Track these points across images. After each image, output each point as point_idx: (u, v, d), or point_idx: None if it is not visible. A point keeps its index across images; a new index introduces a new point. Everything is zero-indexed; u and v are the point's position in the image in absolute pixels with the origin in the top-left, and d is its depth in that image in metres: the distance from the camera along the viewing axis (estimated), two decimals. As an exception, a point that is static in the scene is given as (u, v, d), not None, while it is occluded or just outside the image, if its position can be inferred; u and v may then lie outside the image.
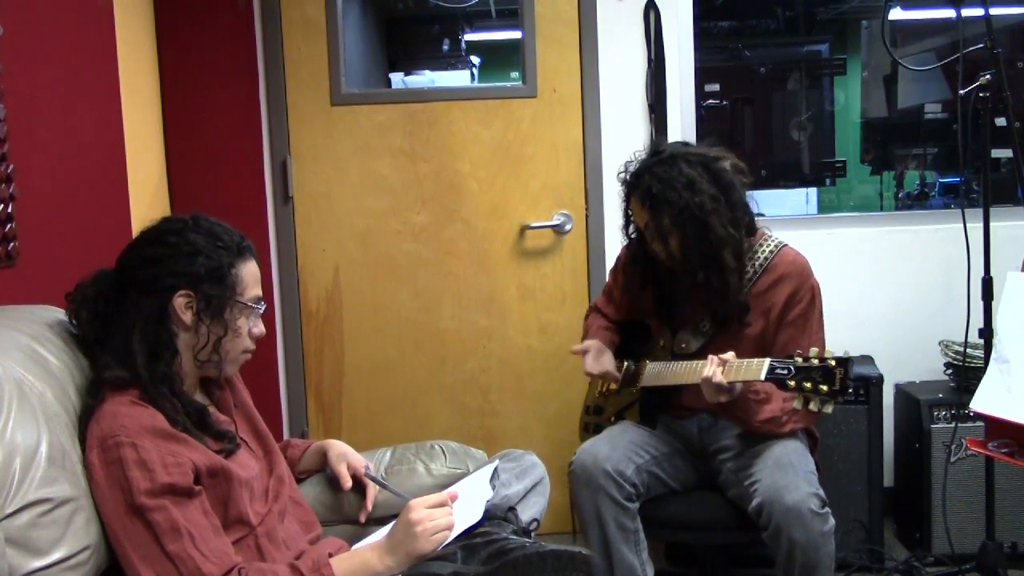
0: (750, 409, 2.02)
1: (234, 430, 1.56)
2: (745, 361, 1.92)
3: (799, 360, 1.85)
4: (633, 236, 2.20)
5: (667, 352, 2.20)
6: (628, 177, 2.13)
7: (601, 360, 2.23)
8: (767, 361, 1.88)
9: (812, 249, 2.25)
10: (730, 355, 1.94)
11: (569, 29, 2.83)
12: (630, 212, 2.16)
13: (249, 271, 1.52)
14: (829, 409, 1.86)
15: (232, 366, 1.56)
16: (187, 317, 1.46)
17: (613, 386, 2.35)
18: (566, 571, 1.44)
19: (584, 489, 2.04)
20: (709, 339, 2.14)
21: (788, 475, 1.95)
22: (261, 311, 1.55)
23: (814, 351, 1.86)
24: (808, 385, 1.84)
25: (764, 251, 2.13)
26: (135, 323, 1.43)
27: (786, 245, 2.15)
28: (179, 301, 1.45)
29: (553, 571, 1.44)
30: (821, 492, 1.94)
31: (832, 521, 1.94)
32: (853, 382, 1.86)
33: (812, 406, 1.86)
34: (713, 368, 1.93)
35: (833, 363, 1.82)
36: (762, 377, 1.87)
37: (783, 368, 1.86)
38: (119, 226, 2.19)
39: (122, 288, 1.47)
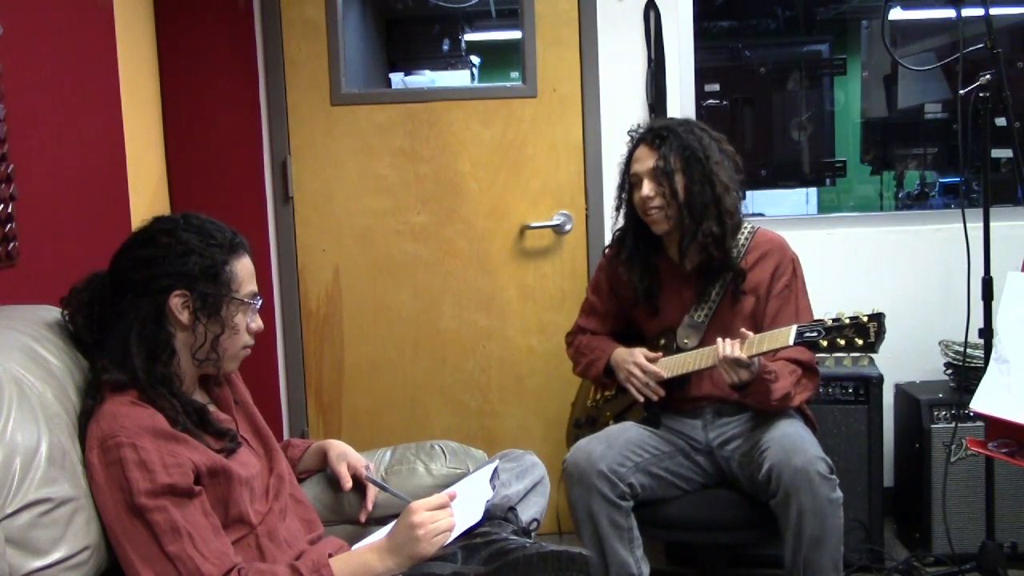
0: (766, 389, 2.03)
1: (235, 428, 1.56)
2: (768, 333, 1.97)
3: (828, 321, 1.90)
4: (626, 198, 2.22)
5: (669, 348, 2.21)
6: (641, 132, 2.20)
7: (645, 368, 2.19)
8: (793, 327, 1.93)
9: (812, 249, 2.27)
10: (749, 333, 1.98)
11: (569, 29, 2.83)
12: (629, 172, 2.19)
13: (243, 267, 1.52)
14: (865, 362, 1.96)
15: (232, 363, 1.56)
16: (184, 317, 1.46)
17: (607, 393, 2.34)
18: (566, 572, 1.44)
19: (577, 487, 2.05)
20: (707, 329, 2.17)
21: (796, 442, 1.99)
22: (258, 306, 1.55)
23: (841, 311, 1.91)
24: (841, 342, 1.88)
25: (742, 236, 2.20)
26: (131, 325, 1.43)
27: (760, 227, 2.23)
28: (175, 301, 1.45)
29: (554, 571, 1.44)
30: (828, 459, 1.97)
31: (840, 493, 1.97)
32: (884, 335, 1.89)
33: (846, 362, 1.93)
34: (729, 345, 1.97)
35: (866, 319, 1.87)
36: (791, 342, 1.92)
37: (812, 331, 1.91)
38: (119, 226, 2.19)
39: (117, 291, 1.47)
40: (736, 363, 1.96)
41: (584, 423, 2.39)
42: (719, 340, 2.00)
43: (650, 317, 2.26)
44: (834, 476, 1.97)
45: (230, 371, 1.60)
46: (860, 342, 1.86)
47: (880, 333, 1.85)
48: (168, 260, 1.45)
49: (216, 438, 1.48)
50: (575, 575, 1.44)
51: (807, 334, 1.91)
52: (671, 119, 2.25)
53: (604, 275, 2.36)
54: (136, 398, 1.40)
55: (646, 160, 2.14)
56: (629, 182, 2.20)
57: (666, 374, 2.15)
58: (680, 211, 2.10)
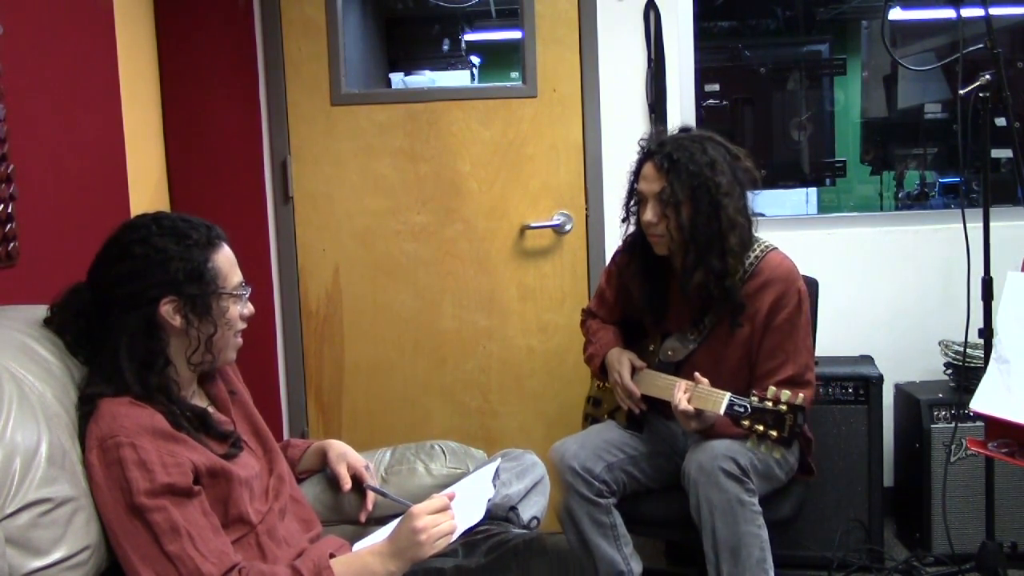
0: (730, 431, 1.97)
1: (234, 429, 1.55)
2: (708, 390, 1.93)
3: (755, 400, 1.86)
4: (634, 210, 2.15)
5: (654, 356, 2.19)
6: (650, 145, 2.09)
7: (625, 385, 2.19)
8: (727, 396, 1.89)
9: (812, 249, 2.25)
10: (703, 381, 1.95)
11: (569, 29, 2.83)
12: (636, 187, 2.11)
13: (225, 259, 1.50)
14: (778, 455, 1.90)
15: (231, 352, 1.56)
16: (177, 322, 1.44)
17: (608, 384, 2.34)
18: (567, 555, 1.46)
19: (554, 487, 2.04)
20: (697, 347, 2.13)
21: (711, 443, 1.98)
22: (247, 295, 1.54)
23: (772, 391, 1.85)
24: (760, 428, 1.84)
25: (751, 256, 2.09)
26: (120, 340, 1.42)
27: (773, 248, 2.11)
28: (166, 308, 1.43)
29: (554, 555, 1.45)
30: (741, 461, 1.93)
31: (758, 507, 1.93)
32: (800, 430, 1.87)
33: (763, 448, 1.87)
34: (680, 395, 1.95)
35: (784, 408, 1.82)
36: (721, 412, 1.89)
37: (740, 406, 1.88)
38: (119, 226, 2.19)
39: (101, 308, 1.45)
40: (684, 414, 1.94)
41: (592, 402, 2.41)
42: (677, 384, 1.97)
43: (653, 320, 2.25)
44: (747, 480, 1.92)
45: (229, 362, 1.59)
46: (774, 434, 1.82)
47: (793, 429, 1.80)
48: (149, 271, 1.42)
49: (219, 442, 1.47)
50: (575, 559, 1.45)
51: (736, 407, 1.87)
52: (686, 134, 2.10)
53: (615, 274, 2.33)
54: (134, 398, 1.40)
55: (652, 182, 2.05)
56: (636, 196, 2.13)
57: (639, 392, 2.15)
58: (684, 243, 2.03)
